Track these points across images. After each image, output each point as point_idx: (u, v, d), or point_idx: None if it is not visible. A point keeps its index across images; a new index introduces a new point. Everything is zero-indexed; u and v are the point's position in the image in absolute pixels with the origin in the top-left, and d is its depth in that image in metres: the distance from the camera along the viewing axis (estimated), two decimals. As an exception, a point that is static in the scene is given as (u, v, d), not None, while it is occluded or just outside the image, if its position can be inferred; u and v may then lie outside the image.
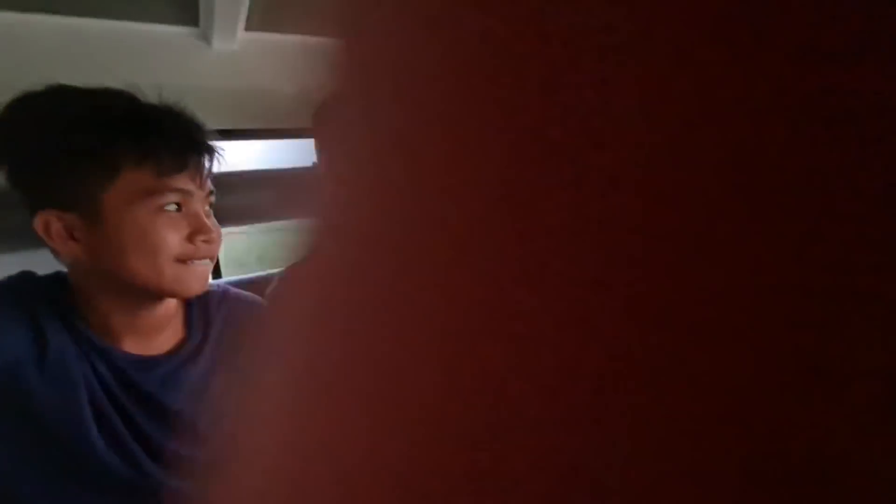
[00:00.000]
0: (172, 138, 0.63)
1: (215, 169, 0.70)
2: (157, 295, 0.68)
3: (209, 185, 0.69)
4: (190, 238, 0.65)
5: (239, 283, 1.18)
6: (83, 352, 0.67)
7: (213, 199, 0.71)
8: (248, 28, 1.09)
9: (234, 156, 1.33)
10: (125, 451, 0.71)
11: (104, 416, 0.69)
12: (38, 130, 0.60)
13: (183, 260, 0.65)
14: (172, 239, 0.64)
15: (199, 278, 0.69)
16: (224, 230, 1.26)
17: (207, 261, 0.70)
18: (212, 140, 0.68)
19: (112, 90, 0.63)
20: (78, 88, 0.62)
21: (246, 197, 1.16)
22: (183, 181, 0.63)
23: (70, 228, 0.61)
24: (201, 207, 0.67)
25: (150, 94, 0.64)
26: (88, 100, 0.61)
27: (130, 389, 0.70)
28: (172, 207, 0.64)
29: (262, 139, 1.35)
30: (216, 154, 0.69)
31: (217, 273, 1.30)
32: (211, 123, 1.20)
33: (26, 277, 0.69)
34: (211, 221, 0.69)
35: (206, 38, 1.10)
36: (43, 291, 0.68)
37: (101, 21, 1.02)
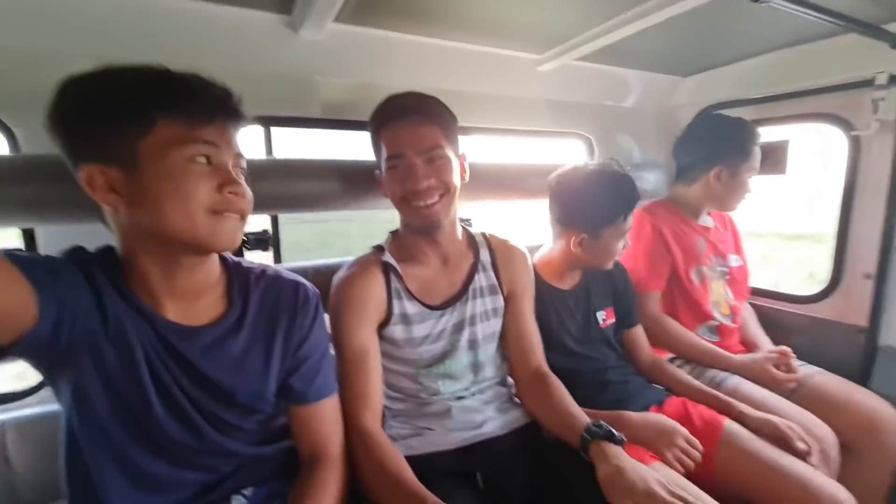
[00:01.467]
0: (201, 95, 0.68)
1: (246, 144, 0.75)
2: (192, 248, 0.71)
3: (237, 146, 0.73)
4: (220, 188, 0.69)
5: (301, 270, 1.20)
6: (136, 313, 0.72)
7: (243, 162, 0.75)
8: (336, 20, 1.11)
9: (300, 143, 1.35)
10: (182, 413, 0.75)
11: (160, 379, 0.73)
12: (83, 93, 0.65)
13: (215, 211, 0.69)
14: (203, 187, 0.68)
15: (230, 232, 0.72)
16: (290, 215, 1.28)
17: (238, 217, 0.73)
18: (238, 105, 0.72)
19: (156, 66, 0.68)
20: (123, 65, 0.67)
21: (309, 184, 1.18)
22: (211, 133, 0.68)
23: (111, 181, 0.65)
24: (229, 162, 0.71)
25: (230, 80, 0.71)
26: (130, 69, 0.67)
27: (175, 355, 0.74)
28: (203, 160, 0.68)
29: (329, 128, 1.37)
30: (241, 117, 0.73)
31: (277, 258, 1.32)
32: (285, 110, 1.24)
33: (78, 249, 0.73)
34: (240, 179, 0.73)
35: (294, 26, 1.12)
36: (96, 260, 0.72)
37: (198, 3, 1.04)
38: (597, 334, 1.34)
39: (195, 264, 0.74)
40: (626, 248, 1.28)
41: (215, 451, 0.79)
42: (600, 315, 1.35)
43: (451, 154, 0.99)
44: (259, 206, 0.78)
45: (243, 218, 0.74)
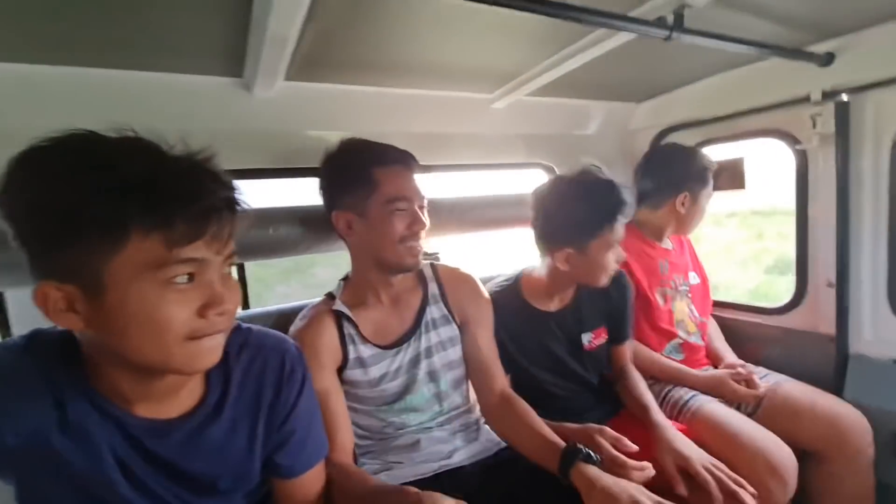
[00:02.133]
0: (189, 202, 0.54)
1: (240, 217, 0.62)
2: (167, 372, 0.63)
3: (231, 246, 0.61)
4: (201, 312, 0.58)
5: (266, 314, 1.23)
6: (102, 415, 0.65)
7: (233, 259, 0.64)
8: (287, 78, 1.19)
9: (265, 193, 1.41)
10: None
11: (134, 475, 0.68)
12: (40, 189, 0.52)
13: (194, 337, 0.59)
14: (181, 315, 0.57)
15: (211, 353, 0.62)
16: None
17: (223, 334, 0.64)
18: (236, 193, 0.59)
19: (132, 139, 0.56)
20: (92, 137, 0.55)
21: (273, 231, 1.23)
22: (198, 249, 0.56)
23: (70, 300, 0.54)
24: (217, 275, 0.60)
25: (175, 141, 0.57)
26: (99, 156, 0.53)
27: (148, 455, 0.68)
28: (184, 279, 0.57)
29: (289, 177, 1.43)
30: (240, 210, 0.60)
31: (245, 304, 1.36)
32: (245, 163, 1.30)
33: (40, 337, 0.65)
34: (227, 286, 0.62)
35: (247, 87, 1.20)
36: (57, 352, 0.64)
37: (154, 74, 1.11)
38: (578, 358, 1.32)
39: (170, 375, 0.65)
40: (621, 261, 1.23)
41: None
42: (586, 337, 1.32)
43: None
44: None
45: (228, 329, 0.66)
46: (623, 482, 0.86)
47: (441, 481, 1.02)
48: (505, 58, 1.30)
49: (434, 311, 1.14)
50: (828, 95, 1.40)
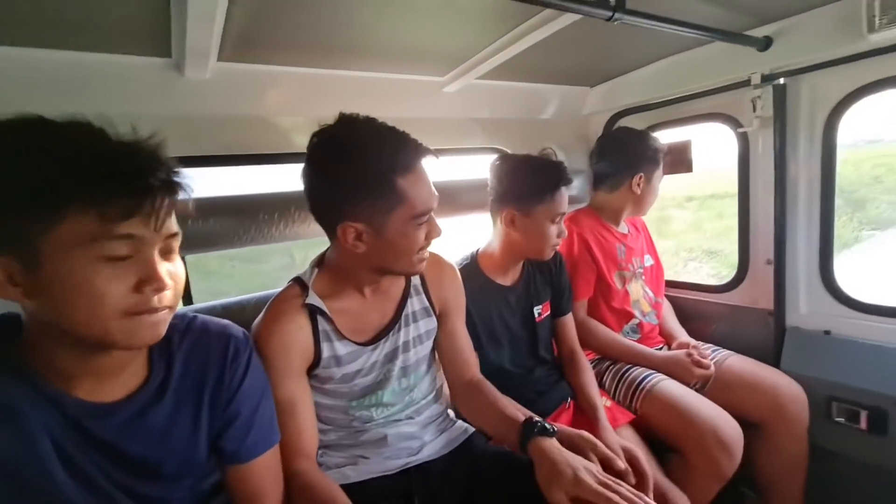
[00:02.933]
0: (126, 180, 0.56)
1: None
2: (106, 348, 0.62)
3: (171, 225, 0.63)
4: (138, 287, 0.59)
5: (211, 309, 1.18)
6: (37, 395, 0.63)
7: (177, 238, 0.65)
8: (221, 59, 1.12)
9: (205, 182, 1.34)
10: (98, 493, 0.67)
11: (72, 461, 0.65)
12: None
13: (131, 314, 0.59)
14: (116, 290, 0.57)
15: (152, 329, 0.62)
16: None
17: (165, 311, 0.63)
18: (177, 177, 0.60)
19: (78, 122, 0.57)
20: (40, 121, 0.56)
21: (215, 222, 1.17)
22: (134, 226, 0.57)
23: (9, 272, 0.56)
24: (154, 252, 0.61)
25: (121, 126, 0.58)
26: (44, 136, 0.56)
27: (88, 437, 0.66)
28: (121, 253, 0.57)
29: (230, 165, 1.36)
30: (180, 191, 0.61)
31: (188, 299, 1.29)
32: (181, 150, 1.23)
33: None
34: (170, 265, 0.63)
35: (178, 68, 1.12)
36: None
37: (79, 53, 1.02)
38: (532, 330, 1.38)
39: (112, 351, 0.64)
40: (563, 237, 1.33)
41: None
42: (537, 310, 1.39)
43: None
44: None
45: (172, 308, 0.65)
46: (571, 456, 0.85)
47: (409, 476, 1.00)
48: (453, 39, 1.27)
49: (415, 304, 1.08)
50: (766, 79, 1.44)
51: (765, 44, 1.37)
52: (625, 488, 0.80)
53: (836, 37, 1.29)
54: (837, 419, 1.39)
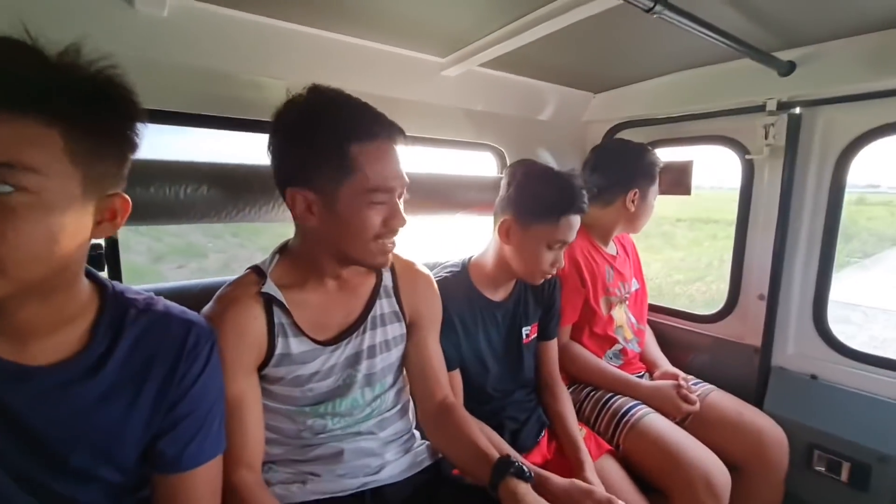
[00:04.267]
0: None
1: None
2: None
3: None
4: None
5: (168, 291, 0.98)
6: None
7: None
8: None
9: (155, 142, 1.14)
10: None
11: None
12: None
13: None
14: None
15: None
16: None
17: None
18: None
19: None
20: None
21: (163, 191, 0.98)
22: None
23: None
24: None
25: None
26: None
27: None
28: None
29: (190, 125, 1.16)
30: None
31: (116, 279, 1.08)
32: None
33: None
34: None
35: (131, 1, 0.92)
36: None
37: None
38: (517, 351, 1.28)
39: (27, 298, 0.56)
40: (558, 267, 1.19)
41: None
42: (525, 330, 1.28)
43: None
44: None
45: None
46: None
47: (363, 501, 0.89)
48: (459, 18, 1.12)
49: (384, 306, 0.97)
50: (783, 106, 1.37)
51: (788, 68, 1.30)
52: None
53: (861, 70, 1.22)
54: (818, 468, 1.33)
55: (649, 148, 1.57)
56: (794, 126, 1.37)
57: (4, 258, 0.49)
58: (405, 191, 0.86)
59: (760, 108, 1.41)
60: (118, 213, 0.60)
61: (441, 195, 1.43)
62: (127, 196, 0.60)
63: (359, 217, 0.81)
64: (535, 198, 1.14)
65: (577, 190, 1.14)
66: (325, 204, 0.81)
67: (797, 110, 1.36)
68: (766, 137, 1.41)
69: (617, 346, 1.52)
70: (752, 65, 1.28)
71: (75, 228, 0.54)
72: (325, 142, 0.78)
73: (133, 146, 0.59)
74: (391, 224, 0.83)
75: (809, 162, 1.40)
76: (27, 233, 0.50)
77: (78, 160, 0.52)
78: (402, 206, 0.85)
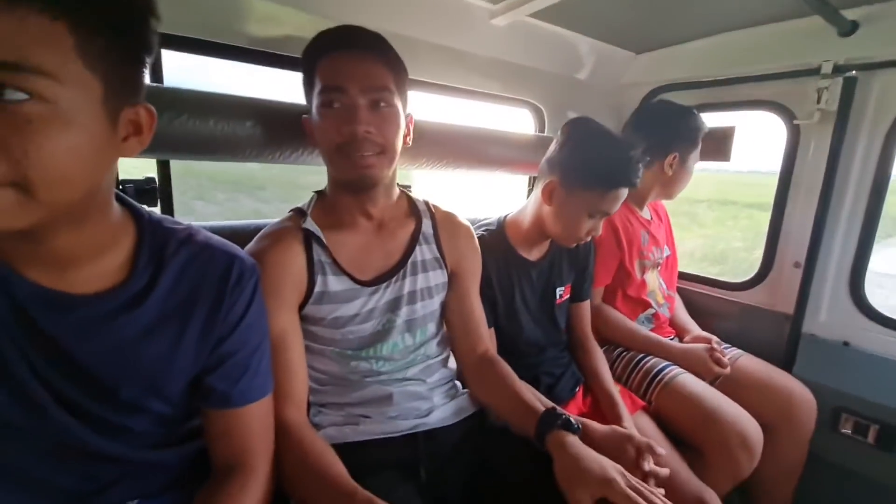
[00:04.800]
0: None
1: None
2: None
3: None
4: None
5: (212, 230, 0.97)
6: None
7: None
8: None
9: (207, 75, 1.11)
10: (28, 401, 0.57)
11: (9, 364, 0.55)
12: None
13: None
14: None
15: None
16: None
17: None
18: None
19: None
20: None
21: (213, 125, 0.96)
22: None
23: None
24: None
25: None
26: None
27: (32, 331, 0.55)
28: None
29: (242, 60, 1.13)
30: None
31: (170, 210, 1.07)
32: (183, 29, 0.99)
33: None
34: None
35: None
36: None
37: None
38: (550, 311, 1.28)
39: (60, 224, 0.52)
40: (594, 235, 1.19)
41: (89, 453, 0.61)
42: (559, 290, 1.28)
43: (398, 106, 0.84)
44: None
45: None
46: (601, 458, 0.78)
47: (417, 442, 0.90)
48: None
49: (425, 252, 0.96)
50: (838, 69, 1.34)
51: (850, 28, 1.26)
52: (656, 496, 0.72)
53: None
54: (843, 430, 1.36)
55: (694, 111, 1.53)
56: (849, 90, 1.34)
57: (32, 180, 0.44)
58: (388, 104, 0.82)
59: (814, 72, 1.38)
60: (143, 126, 0.54)
61: (477, 151, 1.39)
62: (151, 106, 0.54)
63: (320, 127, 0.82)
64: (586, 163, 1.09)
65: (633, 163, 1.09)
66: (313, 120, 0.85)
67: (853, 73, 1.33)
68: (818, 102, 1.38)
69: (650, 311, 1.53)
70: (807, 25, 1.25)
71: (101, 144, 0.49)
72: (304, 61, 0.84)
73: (150, 48, 0.52)
74: (343, 130, 0.78)
75: (861, 128, 1.37)
76: (50, 150, 0.44)
77: (94, 63, 0.46)
78: (359, 112, 0.79)
